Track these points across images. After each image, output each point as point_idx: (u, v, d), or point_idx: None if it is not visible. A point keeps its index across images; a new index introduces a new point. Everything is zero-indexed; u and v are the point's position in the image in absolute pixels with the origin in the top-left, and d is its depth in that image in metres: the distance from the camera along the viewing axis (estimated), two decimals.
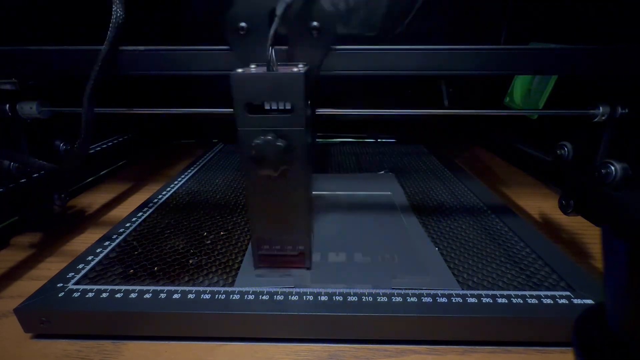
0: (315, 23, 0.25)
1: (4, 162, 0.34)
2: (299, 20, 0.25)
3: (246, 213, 0.25)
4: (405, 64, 0.28)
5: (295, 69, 0.23)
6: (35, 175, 0.36)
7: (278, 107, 0.23)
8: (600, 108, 0.32)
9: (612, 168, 0.31)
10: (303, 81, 0.22)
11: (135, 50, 0.28)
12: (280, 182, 0.24)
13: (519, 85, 0.57)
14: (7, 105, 0.33)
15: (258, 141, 0.23)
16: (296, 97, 0.22)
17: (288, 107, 0.23)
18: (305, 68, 0.24)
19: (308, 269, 0.27)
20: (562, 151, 0.36)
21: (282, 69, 0.23)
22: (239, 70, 0.23)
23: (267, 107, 0.23)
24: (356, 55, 0.27)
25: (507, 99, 0.59)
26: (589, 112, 0.32)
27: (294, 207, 0.25)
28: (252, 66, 0.24)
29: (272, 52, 0.22)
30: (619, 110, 0.32)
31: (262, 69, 0.23)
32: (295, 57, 0.26)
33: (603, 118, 0.32)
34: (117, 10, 0.26)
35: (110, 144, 0.53)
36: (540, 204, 0.46)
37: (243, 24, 0.25)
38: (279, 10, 0.23)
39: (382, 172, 0.49)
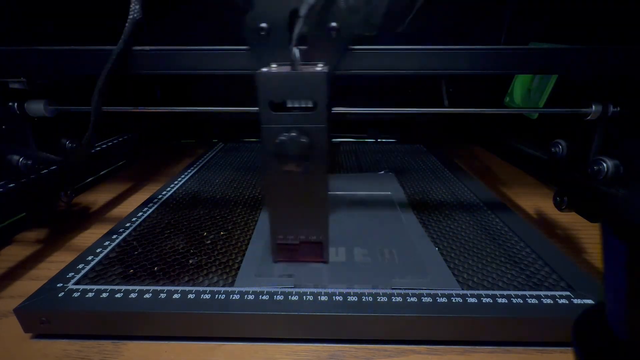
0: (334, 24, 0.25)
1: (13, 159, 0.34)
2: (318, 21, 0.25)
3: (266, 208, 0.26)
4: (409, 63, 0.28)
5: (318, 68, 0.24)
6: (42, 172, 0.37)
7: (300, 105, 0.23)
8: (593, 107, 0.32)
9: (604, 165, 0.31)
10: (326, 80, 0.23)
11: (151, 50, 0.28)
12: (301, 177, 0.25)
13: (519, 85, 0.57)
14: (16, 104, 0.34)
15: (283, 137, 0.23)
16: (319, 95, 0.23)
17: (309, 105, 0.23)
18: (327, 67, 0.24)
19: (326, 262, 0.28)
20: (557, 149, 0.37)
21: (304, 68, 0.24)
22: (264, 69, 0.23)
23: (288, 105, 0.24)
24: (372, 55, 0.28)
25: (507, 98, 0.59)
26: (582, 110, 0.33)
27: (312, 201, 0.26)
28: (273, 66, 0.25)
29: (296, 51, 0.23)
30: (611, 108, 0.32)
31: (284, 68, 0.24)
32: (313, 57, 0.26)
33: (596, 116, 0.32)
34: (134, 10, 0.26)
35: (110, 144, 0.53)
36: (539, 203, 0.46)
37: (263, 25, 0.25)
38: (302, 12, 0.23)
39: (382, 172, 0.49)
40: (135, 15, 0.26)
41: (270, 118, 0.23)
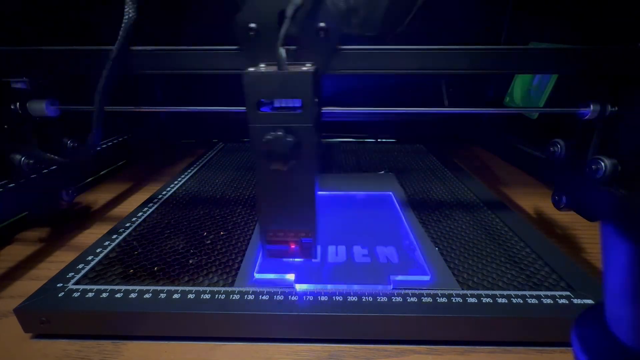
0: (322, 24, 0.25)
1: (15, 158, 0.34)
2: (307, 21, 0.25)
3: (256, 207, 0.26)
4: (406, 63, 0.28)
5: (304, 68, 0.24)
6: (43, 171, 0.37)
7: (287, 104, 0.24)
8: (591, 106, 0.32)
9: (602, 164, 0.31)
10: (311, 80, 0.23)
11: (145, 50, 0.28)
12: (289, 176, 0.25)
13: (519, 85, 0.57)
14: (18, 104, 0.34)
15: (269, 137, 0.23)
16: (305, 95, 0.23)
17: (297, 104, 0.23)
18: (314, 67, 0.24)
19: (314, 259, 0.28)
20: (555, 148, 0.37)
21: (291, 68, 0.24)
22: (251, 69, 0.24)
23: (276, 105, 0.24)
24: (360, 55, 0.28)
25: (507, 98, 0.59)
26: (580, 110, 0.33)
27: (300, 199, 0.26)
28: (262, 66, 0.25)
29: (282, 52, 0.23)
30: (609, 108, 0.32)
31: (272, 68, 0.24)
32: (302, 57, 0.27)
33: (594, 116, 0.33)
34: (129, 11, 0.26)
35: (110, 144, 0.53)
36: (539, 203, 0.46)
37: (253, 25, 0.25)
38: (289, 12, 0.23)
39: (382, 172, 0.49)
40: (130, 15, 0.26)
41: (257, 117, 0.24)
